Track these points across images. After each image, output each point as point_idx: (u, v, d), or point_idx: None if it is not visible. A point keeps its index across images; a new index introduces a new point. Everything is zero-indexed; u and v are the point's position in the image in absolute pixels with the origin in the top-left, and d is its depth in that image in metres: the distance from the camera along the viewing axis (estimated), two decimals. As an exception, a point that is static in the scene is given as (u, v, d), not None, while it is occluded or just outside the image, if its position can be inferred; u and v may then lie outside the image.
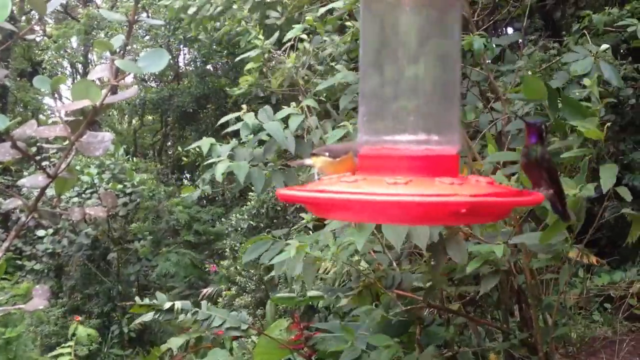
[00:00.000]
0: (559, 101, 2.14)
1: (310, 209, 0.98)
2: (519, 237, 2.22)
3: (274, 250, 2.56)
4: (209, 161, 2.63)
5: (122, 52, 1.00)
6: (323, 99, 2.95)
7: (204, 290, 7.22)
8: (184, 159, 3.84)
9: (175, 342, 4.00)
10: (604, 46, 2.56)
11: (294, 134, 2.58)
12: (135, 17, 1.04)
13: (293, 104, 2.67)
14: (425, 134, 0.92)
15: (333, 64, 2.92)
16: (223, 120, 2.77)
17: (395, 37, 0.93)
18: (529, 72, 2.81)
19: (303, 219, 2.85)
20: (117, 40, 1.03)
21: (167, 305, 3.35)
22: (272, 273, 2.63)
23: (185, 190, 2.91)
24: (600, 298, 5.23)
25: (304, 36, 2.99)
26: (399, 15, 0.92)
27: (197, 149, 2.82)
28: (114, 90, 1.03)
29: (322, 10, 2.94)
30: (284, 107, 2.72)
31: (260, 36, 2.99)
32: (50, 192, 1.13)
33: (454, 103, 0.98)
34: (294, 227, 2.93)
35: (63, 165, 1.04)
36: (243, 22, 3.34)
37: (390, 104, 0.93)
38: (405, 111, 0.93)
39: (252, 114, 2.64)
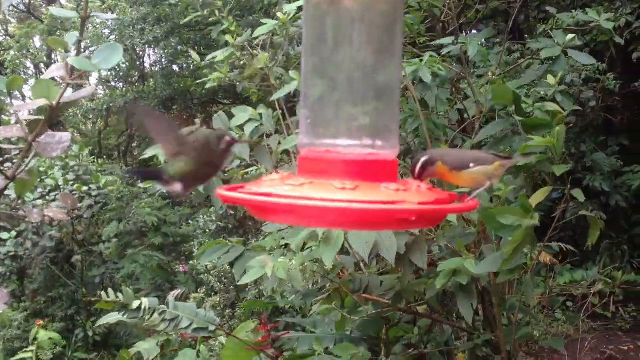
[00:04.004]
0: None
1: (252, 211, 0.97)
2: (482, 266, 2.15)
3: (232, 254, 2.55)
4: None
5: (76, 49, 0.98)
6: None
7: (172, 293, 7.14)
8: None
9: (143, 346, 3.96)
10: (570, 36, 2.60)
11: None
12: (89, 14, 1.02)
13: (250, 109, 2.65)
14: (367, 138, 0.92)
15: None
16: None
17: (335, 40, 0.93)
18: (493, 75, 2.84)
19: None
20: (72, 38, 1.01)
21: (135, 302, 3.29)
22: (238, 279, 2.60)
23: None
24: (563, 297, 5.33)
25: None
26: (338, 18, 0.92)
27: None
28: (75, 88, 1.02)
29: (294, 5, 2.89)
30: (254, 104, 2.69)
31: (233, 28, 2.95)
32: (12, 194, 1.11)
33: (394, 108, 0.98)
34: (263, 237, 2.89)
35: (22, 167, 1.03)
36: (216, 12, 3.28)
37: (331, 108, 0.93)
38: (347, 115, 0.92)
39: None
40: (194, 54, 3.01)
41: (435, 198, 0.89)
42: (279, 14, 2.89)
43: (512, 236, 1.79)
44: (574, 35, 2.59)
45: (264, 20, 2.91)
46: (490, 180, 1.03)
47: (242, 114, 2.60)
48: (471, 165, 1.02)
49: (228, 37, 2.93)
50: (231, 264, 2.71)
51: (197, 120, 2.67)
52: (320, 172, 0.90)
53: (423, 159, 1.02)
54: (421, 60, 2.62)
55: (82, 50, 1.05)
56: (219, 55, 2.97)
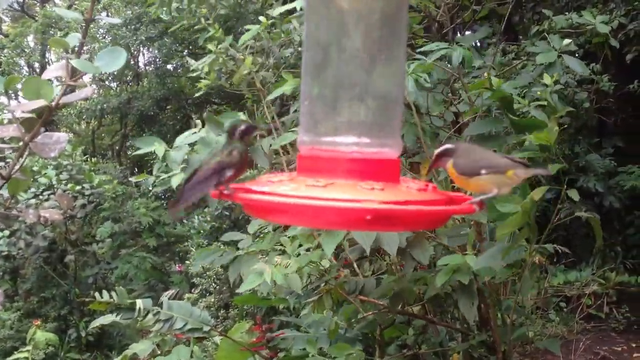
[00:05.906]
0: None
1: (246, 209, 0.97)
2: (482, 260, 2.12)
3: (226, 258, 2.55)
4: (163, 176, 2.56)
5: (78, 50, 0.98)
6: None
7: (165, 293, 7.13)
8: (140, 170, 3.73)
9: (139, 347, 3.94)
10: (567, 41, 2.60)
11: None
12: (93, 15, 1.02)
13: (240, 113, 2.65)
14: (362, 136, 0.91)
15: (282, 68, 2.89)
16: (179, 140, 2.70)
17: (336, 40, 0.92)
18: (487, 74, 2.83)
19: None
20: (73, 39, 1.00)
21: (129, 302, 3.26)
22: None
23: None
24: (557, 298, 5.33)
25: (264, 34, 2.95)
26: (341, 17, 0.92)
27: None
28: (71, 89, 1.01)
29: (281, 9, 2.88)
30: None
31: (217, 34, 2.95)
32: (5, 193, 1.10)
33: (395, 108, 0.97)
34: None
35: (17, 166, 1.02)
36: (202, 20, 3.28)
37: (327, 106, 0.92)
38: (345, 114, 0.92)
39: (207, 129, 2.58)
40: (191, 61, 3.02)
41: (411, 199, 0.85)
42: (261, 18, 2.90)
43: (510, 218, 1.74)
44: (570, 40, 2.59)
45: (247, 27, 2.92)
46: (500, 189, 0.97)
47: (231, 119, 2.60)
48: (482, 172, 0.97)
49: (210, 46, 2.93)
50: (226, 267, 2.72)
51: (198, 121, 2.67)
52: (313, 169, 0.89)
53: (441, 149, 0.99)
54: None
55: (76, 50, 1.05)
56: (204, 63, 2.97)
